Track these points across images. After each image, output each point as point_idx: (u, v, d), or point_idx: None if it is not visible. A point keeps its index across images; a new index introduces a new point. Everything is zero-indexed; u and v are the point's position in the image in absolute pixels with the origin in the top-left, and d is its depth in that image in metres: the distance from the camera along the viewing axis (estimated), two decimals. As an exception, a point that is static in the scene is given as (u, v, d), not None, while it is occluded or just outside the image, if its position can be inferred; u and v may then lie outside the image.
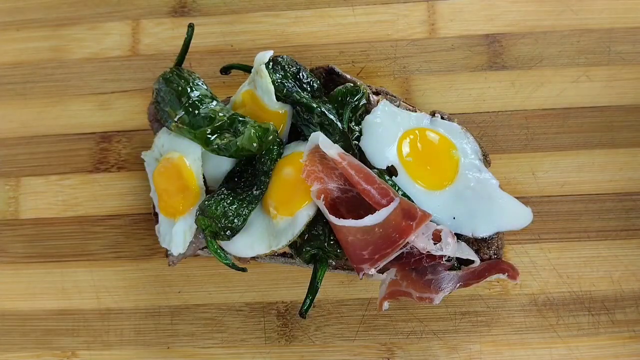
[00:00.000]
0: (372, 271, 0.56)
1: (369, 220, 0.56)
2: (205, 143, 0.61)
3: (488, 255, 0.61)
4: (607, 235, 0.67)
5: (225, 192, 0.61)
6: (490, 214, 0.60)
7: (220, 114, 0.61)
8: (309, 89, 0.64)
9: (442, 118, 0.64)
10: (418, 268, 0.60)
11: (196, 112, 0.62)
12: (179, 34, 0.75)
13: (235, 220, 0.60)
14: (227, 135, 0.61)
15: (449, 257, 0.59)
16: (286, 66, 0.63)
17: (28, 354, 0.71)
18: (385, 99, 0.64)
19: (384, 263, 0.56)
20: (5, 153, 0.75)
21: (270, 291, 0.69)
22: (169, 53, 0.74)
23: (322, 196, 0.57)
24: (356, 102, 0.62)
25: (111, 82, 0.75)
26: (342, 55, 0.72)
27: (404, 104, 0.65)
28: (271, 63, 0.63)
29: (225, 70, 0.69)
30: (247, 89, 0.65)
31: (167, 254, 0.65)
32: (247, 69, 0.66)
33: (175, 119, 0.62)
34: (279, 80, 0.63)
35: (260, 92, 0.63)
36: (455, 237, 0.59)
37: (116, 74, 0.75)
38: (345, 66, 0.72)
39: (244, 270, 0.62)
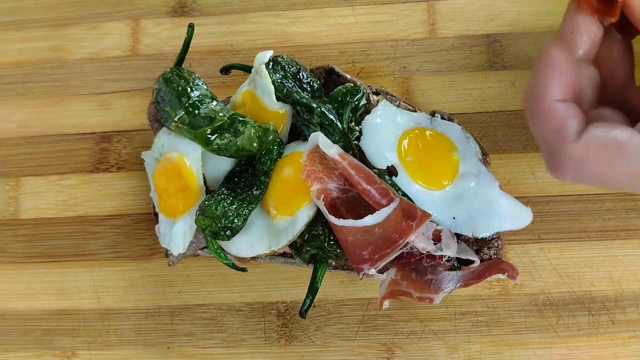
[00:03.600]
0: (372, 271, 0.56)
1: (369, 220, 0.56)
2: (205, 143, 0.61)
3: (488, 256, 0.61)
4: (607, 235, 0.67)
5: (225, 192, 0.61)
6: (490, 214, 0.60)
7: (220, 114, 0.61)
8: (309, 89, 0.64)
9: (442, 118, 0.64)
10: (418, 268, 0.60)
11: (196, 112, 0.62)
12: (179, 34, 0.75)
13: (235, 220, 0.60)
14: (227, 135, 0.61)
15: (449, 257, 0.59)
16: (286, 66, 0.63)
17: (28, 354, 0.71)
18: (385, 99, 0.64)
19: (384, 263, 0.56)
20: (5, 153, 0.75)
21: (270, 291, 0.69)
22: (169, 53, 0.74)
23: (322, 196, 0.57)
24: (356, 102, 0.62)
25: (111, 82, 0.75)
26: (342, 55, 0.72)
27: (404, 104, 0.65)
28: (271, 63, 0.63)
29: (225, 70, 0.69)
30: (247, 89, 0.65)
31: (167, 254, 0.65)
32: (247, 69, 0.66)
33: (175, 119, 0.62)
34: (279, 80, 0.63)
35: (260, 92, 0.63)
36: (455, 237, 0.59)
37: (116, 74, 0.75)
38: (345, 66, 0.72)
39: (244, 270, 0.62)
